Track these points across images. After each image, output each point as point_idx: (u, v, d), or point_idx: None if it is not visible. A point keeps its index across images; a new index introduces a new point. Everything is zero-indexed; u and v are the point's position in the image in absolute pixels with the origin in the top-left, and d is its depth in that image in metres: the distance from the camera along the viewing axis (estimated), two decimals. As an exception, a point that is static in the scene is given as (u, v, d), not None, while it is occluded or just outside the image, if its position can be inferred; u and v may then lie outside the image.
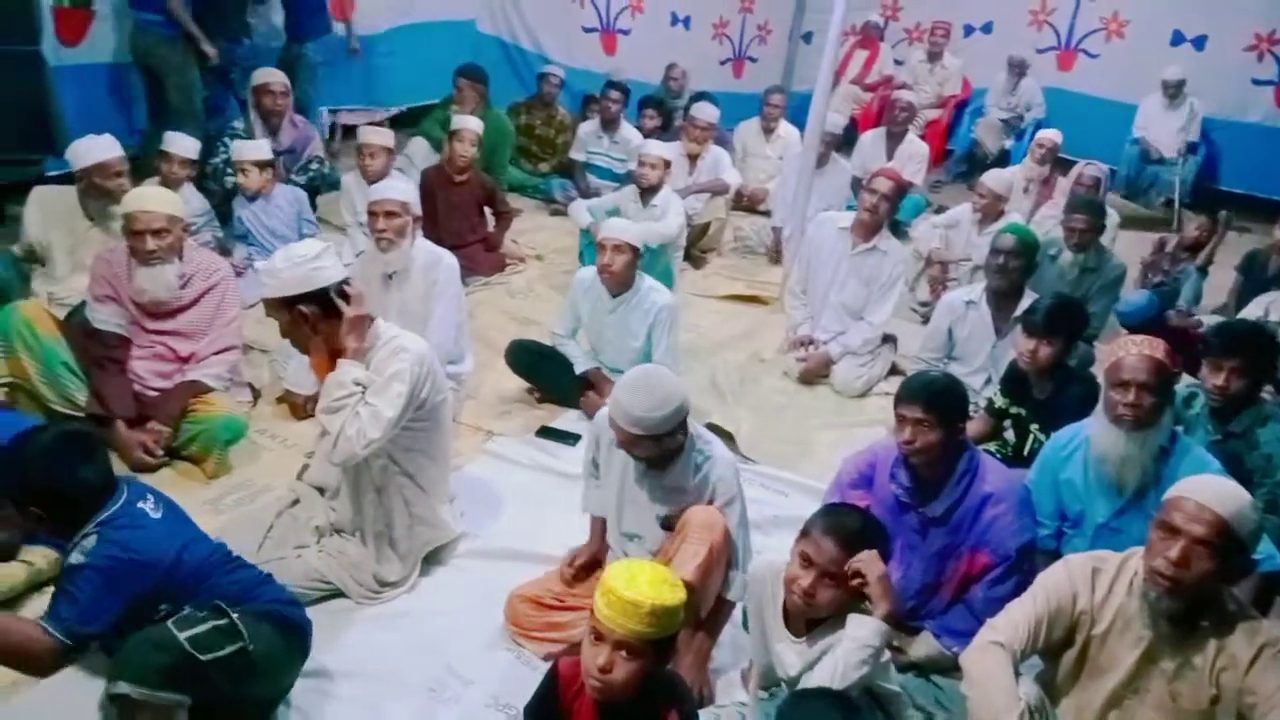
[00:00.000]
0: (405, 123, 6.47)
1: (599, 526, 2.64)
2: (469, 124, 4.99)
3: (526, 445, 3.52)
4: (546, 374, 3.83)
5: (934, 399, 2.37)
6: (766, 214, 6.28)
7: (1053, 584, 1.99)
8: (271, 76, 4.89)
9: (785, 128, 6.68)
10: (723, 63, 9.05)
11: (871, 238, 4.19)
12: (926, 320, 4.55)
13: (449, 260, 3.62)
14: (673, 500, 2.37)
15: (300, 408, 3.48)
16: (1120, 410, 2.41)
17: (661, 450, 2.28)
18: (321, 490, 2.82)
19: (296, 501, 2.83)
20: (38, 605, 2.42)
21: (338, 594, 2.58)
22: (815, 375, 4.24)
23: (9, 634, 1.93)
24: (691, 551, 2.21)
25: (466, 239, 4.96)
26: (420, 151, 5.80)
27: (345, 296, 2.46)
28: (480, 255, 5.04)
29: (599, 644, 1.67)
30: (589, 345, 3.82)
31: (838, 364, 4.22)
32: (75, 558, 1.96)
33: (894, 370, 4.32)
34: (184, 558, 2.03)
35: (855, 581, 1.94)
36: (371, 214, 3.49)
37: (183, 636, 1.89)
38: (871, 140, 6.53)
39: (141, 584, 1.97)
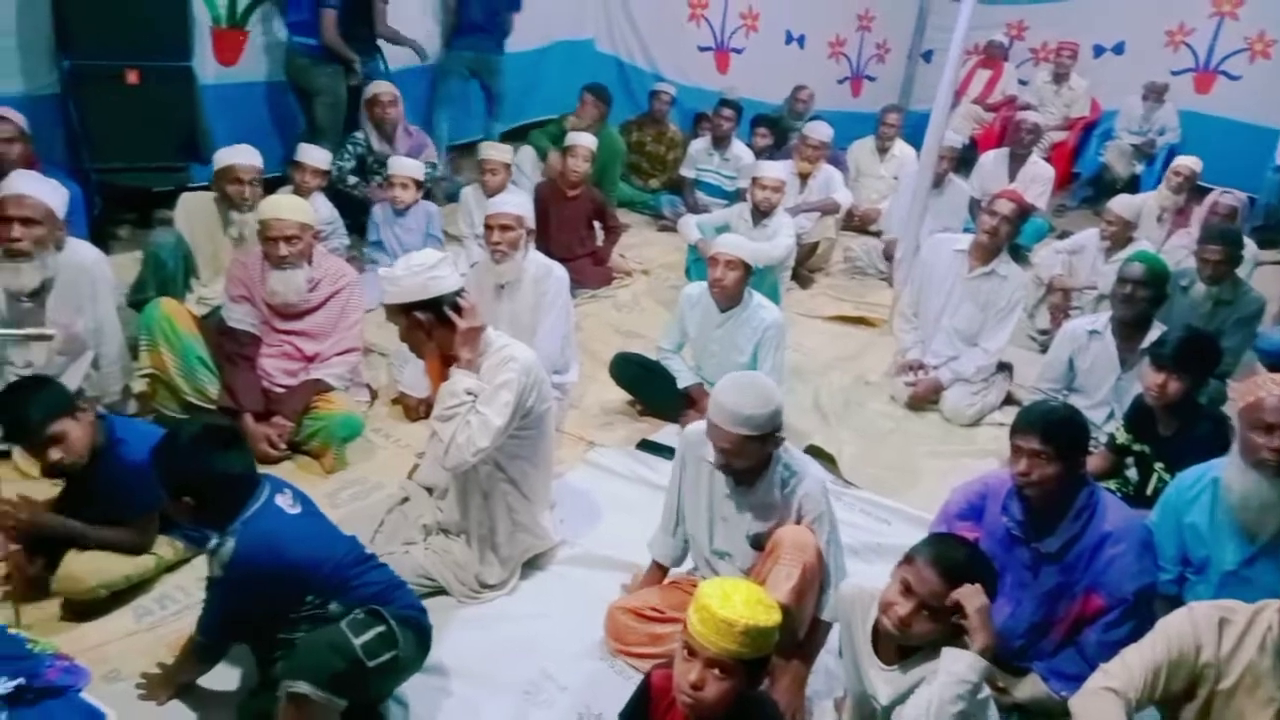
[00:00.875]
0: (512, 134, 6.62)
1: (657, 574, 2.66)
2: (583, 140, 5.10)
3: (627, 457, 3.56)
4: (649, 387, 3.86)
5: (1053, 430, 2.28)
6: (878, 234, 6.17)
7: (1175, 632, 1.88)
8: (380, 88, 5.12)
9: (900, 147, 6.57)
10: (840, 81, 8.95)
11: (990, 261, 4.07)
12: (1044, 349, 4.38)
13: (559, 272, 3.70)
14: (762, 516, 2.36)
15: (413, 410, 3.62)
16: (1263, 455, 2.26)
17: (758, 455, 2.27)
18: (430, 490, 2.92)
19: (406, 499, 2.94)
20: (165, 587, 2.61)
21: (441, 591, 2.66)
22: (924, 401, 4.14)
23: (189, 661, 2.21)
24: (785, 573, 2.19)
25: (575, 252, 5.06)
26: (528, 161, 5.95)
27: (458, 309, 2.54)
28: (588, 268, 5.12)
29: (691, 660, 1.67)
30: (693, 361, 3.83)
31: (949, 390, 4.11)
32: (215, 570, 2.04)
33: (1008, 400, 4.17)
34: (321, 555, 2.10)
35: (954, 617, 1.89)
36: (487, 227, 3.60)
37: (357, 643, 1.97)
38: (993, 161, 6.34)
39: (283, 585, 2.04)
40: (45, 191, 3.02)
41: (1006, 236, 4.07)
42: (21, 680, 1.26)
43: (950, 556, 1.93)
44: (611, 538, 3.00)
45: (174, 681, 2.22)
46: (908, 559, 1.97)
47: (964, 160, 6.14)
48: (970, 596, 1.88)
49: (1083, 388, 3.65)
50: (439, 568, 2.67)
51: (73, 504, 2.53)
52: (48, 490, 2.78)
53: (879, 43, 9.05)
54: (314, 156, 4.44)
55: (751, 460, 2.28)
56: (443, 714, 2.30)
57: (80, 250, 3.15)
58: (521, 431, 2.62)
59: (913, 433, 3.99)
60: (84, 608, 2.45)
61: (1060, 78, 8.03)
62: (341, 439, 3.26)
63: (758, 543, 2.36)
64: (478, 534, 2.70)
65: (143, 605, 2.53)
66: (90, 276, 3.12)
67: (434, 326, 2.55)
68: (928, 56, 9.08)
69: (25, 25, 4.41)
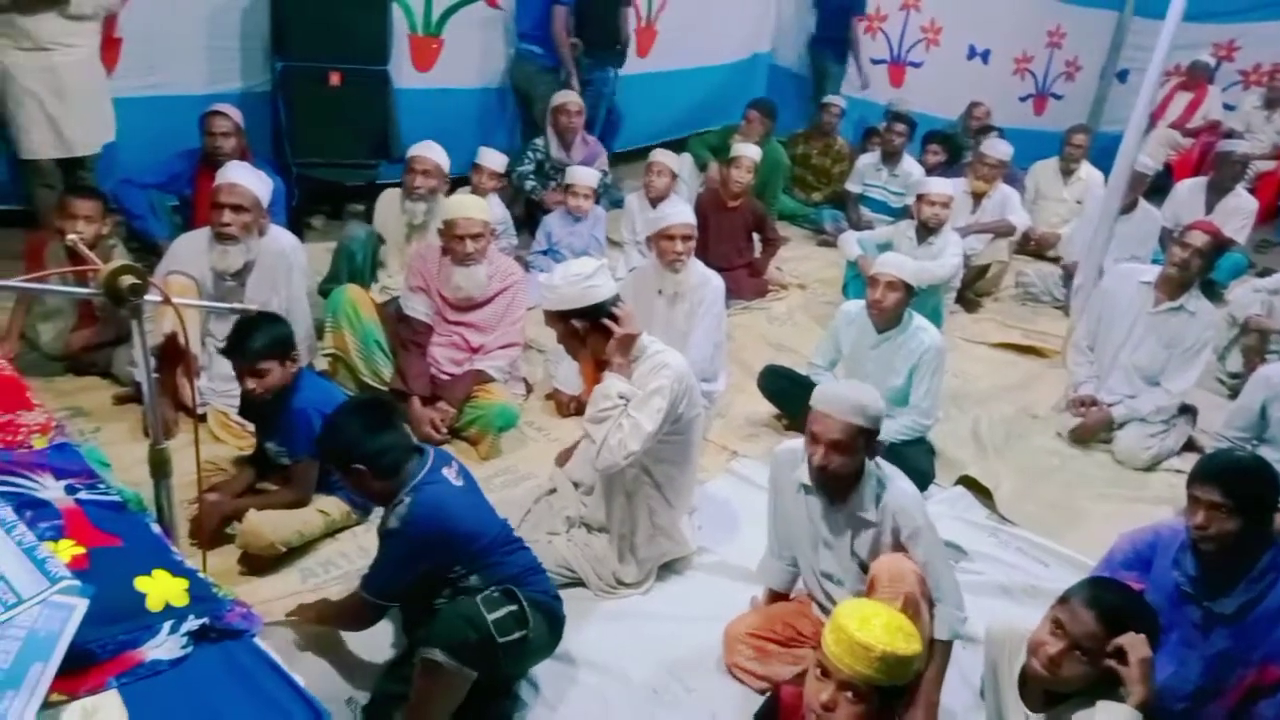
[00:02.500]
0: (677, 145, 6.68)
1: (773, 595, 2.62)
2: (748, 151, 5.11)
3: (768, 469, 3.53)
4: (796, 401, 3.77)
5: (1237, 482, 2.10)
6: (1055, 260, 5.86)
7: None
8: (569, 98, 5.31)
9: (1087, 170, 6.20)
10: (1022, 99, 8.57)
11: (1178, 296, 3.78)
12: (1234, 394, 4.02)
13: (716, 282, 3.73)
14: (861, 531, 2.31)
15: (565, 406, 3.73)
16: None
17: (859, 458, 2.24)
18: (576, 485, 3.00)
19: (553, 490, 3.03)
20: (329, 551, 2.80)
21: (579, 583, 2.73)
22: (1092, 435, 3.89)
23: (345, 613, 2.32)
24: None
25: (733, 262, 5.06)
26: (686, 168, 6.00)
27: (614, 317, 2.60)
28: (744, 280, 5.11)
29: (824, 680, 1.65)
30: (845, 379, 3.76)
31: (1123, 430, 3.84)
32: (392, 522, 2.16)
33: (1189, 445, 3.87)
34: (478, 529, 2.21)
35: (1110, 662, 1.77)
36: (669, 237, 3.63)
37: (490, 618, 2.06)
38: (1189, 190, 5.89)
39: (444, 552, 2.15)
40: (254, 182, 3.32)
41: (1198, 271, 3.78)
42: (206, 620, 1.39)
43: (1111, 600, 1.83)
44: (748, 549, 2.98)
45: (325, 619, 2.36)
46: (1063, 599, 1.87)
47: (1157, 187, 5.72)
48: (1135, 645, 1.76)
49: (1275, 439, 3.33)
50: (579, 560, 2.74)
51: (265, 434, 2.86)
52: (236, 455, 3.07)
53: (1069, 60, 8.61)
54: (492, 160, 4.67)
55: (853, 462, 2.23)
56: (572, 702, 2.35)
57: (280, 237, 3.44)
58: (670, 437, 2.66)
59: (1079, 472, 3.76)
60: (260, 563, 2.67)
61: (1273, 103, 7.37)
62: (498, 428, 3.41)
63: (864, 563, 2.30)
64: (618, 532, 2.76)
65: (308, 567, 2.72)
66: (287, 261, 3.40)
67: (588, 333, 2.63)
68: (1123, 76, 8.55)
69: (247, 29, 4.86)
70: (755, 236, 5.27)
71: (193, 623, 1.36)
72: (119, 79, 4.46)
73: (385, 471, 2.17)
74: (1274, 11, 7.90)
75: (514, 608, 2.11)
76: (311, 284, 3.85)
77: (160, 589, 1.40)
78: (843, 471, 2.25)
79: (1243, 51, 8.14)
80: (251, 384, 2.67)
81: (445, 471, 2.23)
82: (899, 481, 2.33)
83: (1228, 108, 7.80)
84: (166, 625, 1.34)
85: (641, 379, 2.59)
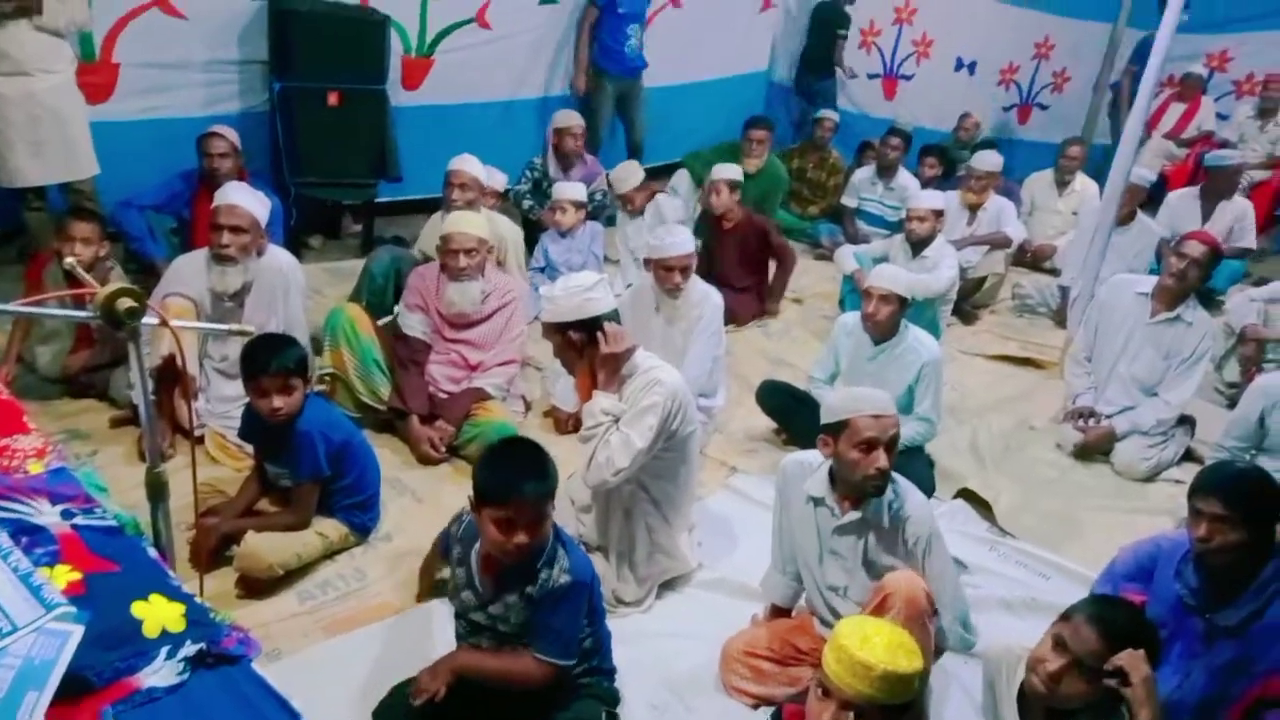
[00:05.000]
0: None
1: (776, 612, 2.61)
2: (722, 174, 4.95)
3: (768, 485, 3.50)
4: (796, 416, 3.81)
5: (1239, 494, 2.09)
6: (1052, 272, 5.87)
7: None
8: (572, 120, 5.33)
9: (1082, 181, 6.23)
10: (1006, 109, 8.65)
11: (1175, 306, 3.79)
12: (1232, 404, 4.01)
13: (715, 298, 3.74)
14: (873, 540, 2.31)
15: (563, 423, 3.72)
16: None
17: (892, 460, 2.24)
18: (573, 501, 2.99)
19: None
20: (327, 573, 2.78)
21: (579, 603, 2.72)
22: (1094, 450, 3.89)
23: (512, 674, 2.04)
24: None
25: (738, 283, 5.02)
26: (684, 184, 6.02)
27: (605, 333, 2.60)
28: (746, 303, 5.00)
29: (825, 700, 1.64)
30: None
31: (1122, 442, 3.84)
32: (561, 577, 1.98)
33: (1188, 456, 3.88)
34: (596, 582, 2.16)
35: (1112, 680, 1.76)
36: (667, 268, 3.61)
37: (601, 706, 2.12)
38: (1181, 199, 5.91)
39: (590, 604, 2.11)
40: (252, 203, 3.32)
41: (1195, 281, 3.79)
42: (203, 645, 1.38)
43: (1113, 617, 1.82)
44: (748, 565, 2.97)
45: (482, 672, 2.06)
46: (1065, 616, 1.86)
47: (1152, 198, 5.75)
48: (1135, 663, 1.75)
49: (1274, 448, 3.33)
50: (578, 579, 2.73)
51: (267, 456, 2.81)
52: (233, 477, 3.06)
53: (1056, 71, 8.66)
54: (492, 178, 4.68)
55: (890, 461, 2.24)
56: (573, 722, 2.34)
57: (278, 257, 3.45)
58: (665, 454, 2.66)
59: (1079, 484, 3.76)
60: (258, 585, 2.66)
61: (1266, 113, 7.39)
62: (496, 446, 3.40)
63: (877, 572, 2.30)
64: (616, 550, 2.75)
65: (306, 589, 2.71)
66: (285, 281, 3.40)
67: (586, 346, 2.63)
68: (1115, 88, 8.58)
69: (245, 51, 4.88)
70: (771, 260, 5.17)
71: (190, 648, 1.35)
72: (117, 103, 4.49)
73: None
74: (1266, 22, 7.95)
75: (606, 688, 2.16)
76: (310, 303, 3.85)
77: (157, 614, 1.39)
78: (888, 467, 2.27)
79: (1235, 62, 8.18)
80: (279, 402, 2.60)
81: None
82: (913, 493, 2.34)
83: (1221, 118, 7.83)
84: (163, 651, 1.33)
85: (634, 395, 2.59)
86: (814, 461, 2.42)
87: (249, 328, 2.47)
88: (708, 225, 5.08)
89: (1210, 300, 4.97)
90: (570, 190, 4.91)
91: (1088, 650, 1.78)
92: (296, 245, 4.83)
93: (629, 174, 5.12)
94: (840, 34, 7.38)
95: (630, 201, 5.10)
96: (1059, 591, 2.93)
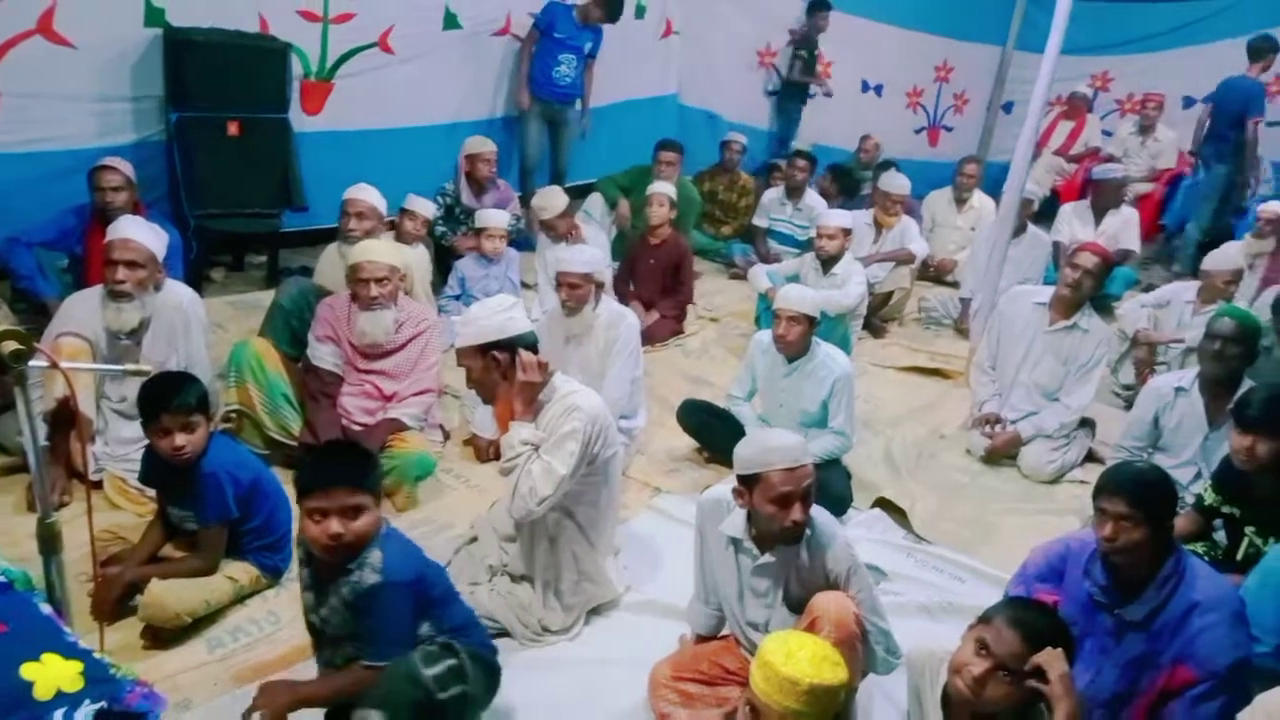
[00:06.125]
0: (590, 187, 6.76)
1: (694, 639, 2.60)
2: (660, 189, 5.21)
3: (692, 504, 3.49)
4: (716, 434, 3.84)
5: (1142, 494, 2.17)
6: (954, 285, 6.09)
7: (1277, 713, 1.77)
8: (484, 145, 5.31)
9: (979, 198, 6.50)
10: (917, 131, 8.95)
11: (1072, 315, 3.97)
12: (1129, 405, 4.22)
13: (631, 319, 3.75)
14: (793, 577, 2.30)
15: (484, 451, 3.68)
16: None
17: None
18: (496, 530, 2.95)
19: (474, 539, 2.98)
20: (238, 618, 2.67)
21: (504, 633, 2.67)
22: (1002, 455, 4.03)
23: (348, 691, 2.05)
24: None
25: (656, 302, 5.14)
26: (597, 207, 6.08)
27: (518, 362, 2.56)
28: (660, 324, 5.10)
29: (754, 719, 1.64)
30: (762, 410, 3.81)
31: (1028, 446, 3.99)
32: (370, 577, 2.00)
33: (1090, 457, 4.05)
34: (435, 575, 2.16)
35: (1032, 681, 1.81)
36: (558, 284, 3.67)
37: (428, 674, 1.98)
38: (1075, 210, 6.23)
39: (417, 601, 2.08)
40: (148, 236, 3.20)
41: (1089, 290, 3.98)
42: (104, 704, 1.31)
43: (1033, 620, 1.87)
44: (674, 585, 2.97)
45: (315, 700, 2.09)
46: (984, 619, 1.91)
47: (1044, 212, 6.04)
48: (1053, 661, 1.80)
49: (1168, 446, 3.51)
50: (503, 610, 2.68)
51: (170, 500, 2.68)
52: (136, 522, 2.91)
53: (957, 93, 9.03)
54: (423, 206, 4.62)
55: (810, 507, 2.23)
56: (504, 757, 2.30)
57: (177, 291, 3.32)
58: (588, 477, 2.64)
59: (989, 488, 3.88)
60: (165, 635, 2.53)
61: (1146, 129, 7.86)
62: (414, 478, 3.33)
63: (797, 606, 2.29)
64: (542, 579, 2.72)
65: (216, 636, 2.60)
66: (184, 316, 3.27)
67: (508, 367, 2.60)
68: (1008, 108, 9.01)
69: (139, 80, 4.71)
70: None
71: (89, 708, 1.29)
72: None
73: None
74: (1140, 45, 8.48)
75: (453, 661, 2.04)
76: (213, 338, 3.72)
77: (50, 675, 1.31)
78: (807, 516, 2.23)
79: (1116, 82, 8.69)
80: (182, 440, 2.49)
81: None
82: (830, 526, 2.32)
83: (1106, 134, 8.29)
84: (59, 714, 1.26)
85: (553, 421, 2.57)
86: (729, 499, 2.36)
87: (146, 367, 2.37)
88: (627, 245, 5.12)
89: (1105, 307, 5.22)
90: (499, 217, 4.92)
91: (1010, 653, 1.82)
92: (198, 279, 4.67)
93: (552, 200, 5.11)
94: (800, 54, 7.73)
95: (553, 228, 5.09)
96: (975, 594, 3.02)
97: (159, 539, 2.74)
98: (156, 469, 2.66)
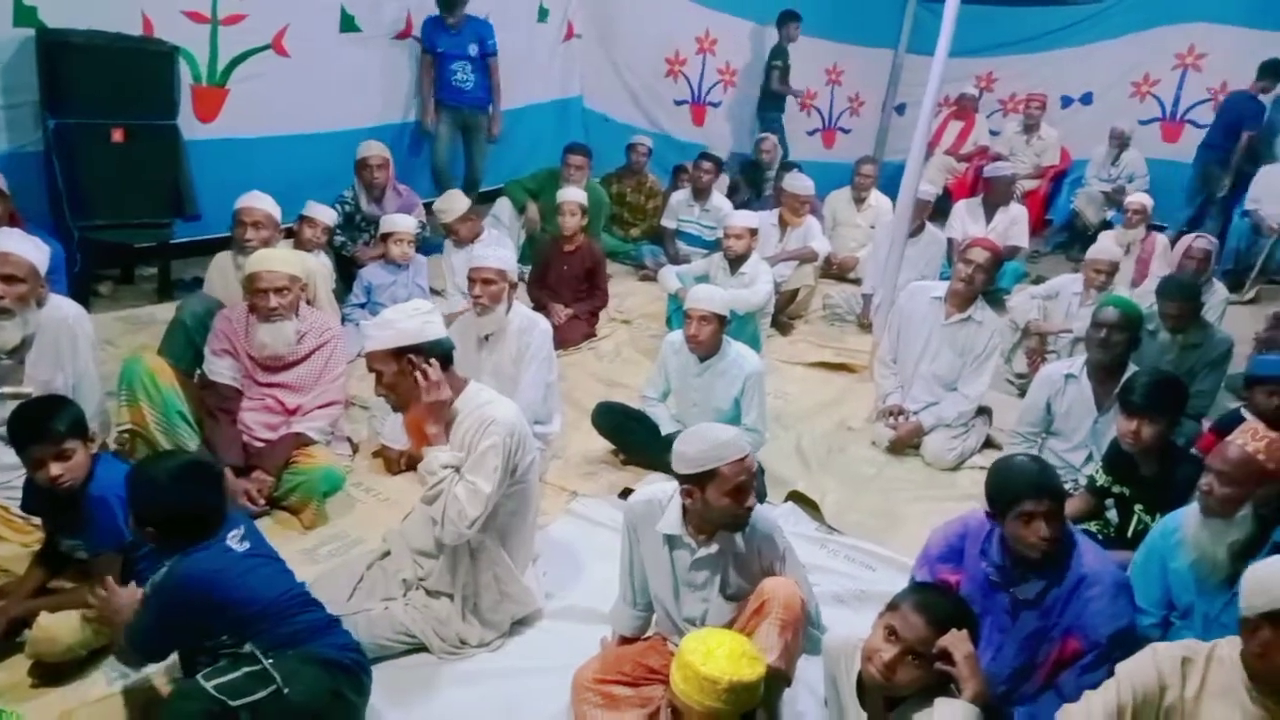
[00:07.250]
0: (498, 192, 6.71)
1: (619, 639, 2.61)
2: (570, 195, 5.19)
3: (610, 506, 3.54)
4: (632, 436, 3.86)
5: (1058, 489, 2.30)
6: (856, 282, 6.27)
7: (1139, 673, 1.89)
8: (370, 150, 5.18)
9: (877, 197, 6.71)
10: (810, 133, 9.16)
11: (966, 308, 4.13)
12: (1023, 393, 4.42)
13: (543, 325, 3.74)
14: (731, 567, 2.33)
15: (394, 463, 3.60)
16: (1201, 491, 2.35)
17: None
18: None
19: (387, 554, 2.90)
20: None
21: (422, 648, 2.63)
22: (905, 445, 4.16)
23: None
24: (776, 632, 2.17)
25: (569, 305, 5.12)
26: (505, 212, 6.06)
27: (425, 374, 2.49)
28: (572, 327, 5.10)
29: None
30: (676, 409, 3.84)
31: (929, 436, 4.14)
32: (147, 588, 2.15)
33: (988, 443, 4.21)
34: (248, 597, 2.10)
35: (940, 664, 1.88)
36: (470, 280, 3.63)
37: (210, 686, 2.00)
38: (967, 208, 6.49)
39: (196, 618, 2.08)
40: (28, 249, 3.01)
41: (982, 284, 4.14)
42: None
43: (937, 604, 1.94)
44: (595, 589, 2.97)
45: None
46: (892, 605, 1.97)
47: (939, 209, 6.27)
48: (957, 643, 1.87)
49: (1061, 431, 3.69)
50: (419, 624, 2.63)
51: (57, 528, 2.57)
52: (21, 553, 2.75)
53: (851, 96, 9.27)
54: (323, 213, 4.49)
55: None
56: (424, 773, 2.26)
57: (61, 306, 3.14)
58: (510, 487, 2.60)
59: (895, 478, 4.01)
60: (57, 671, 2.40)
61: (1030, 128, 8.24)
62: (322, 494, 3.24)
63: (735, 595, 2.33)
64: (462, 594, 2.67)
65: (116, 667, 2.46)
66: (71, 332, 3.10)
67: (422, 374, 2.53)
68: (901, 109, 9.29)
69: (10, 85, 4.45)
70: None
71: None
72: None
73: (175, 538, 2.10)
74: (1021, 47, 8.88)
75: (253, 668, 2.05)
76: (103, 355, 3.54)
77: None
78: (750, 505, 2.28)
79: (1000, 82, 9.08)
80: (57, 469, 2.37)
81: (229, 540, 2.13)
82: (763, 513, 2.37)
83: (993, 133, 8.65)
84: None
85: (468, 436, 2.52)
86: (661, 499, 2.39)
87: (27, 388, 2.25)
88: (538, 249, 5.09)
89: (997, 300, 5.45)
90: (405, 222, 4.83)
91: (918, 637, 1.89)
92: (85, 293, 4.45)
93: (453, 204, 5.05)
94: (775, 65, 8.00)
95: (454, 231, 5.03)
96: (886, 581, 3.11)
97: (46, 571, 2.60)
98: (39, 497, 2.52)
